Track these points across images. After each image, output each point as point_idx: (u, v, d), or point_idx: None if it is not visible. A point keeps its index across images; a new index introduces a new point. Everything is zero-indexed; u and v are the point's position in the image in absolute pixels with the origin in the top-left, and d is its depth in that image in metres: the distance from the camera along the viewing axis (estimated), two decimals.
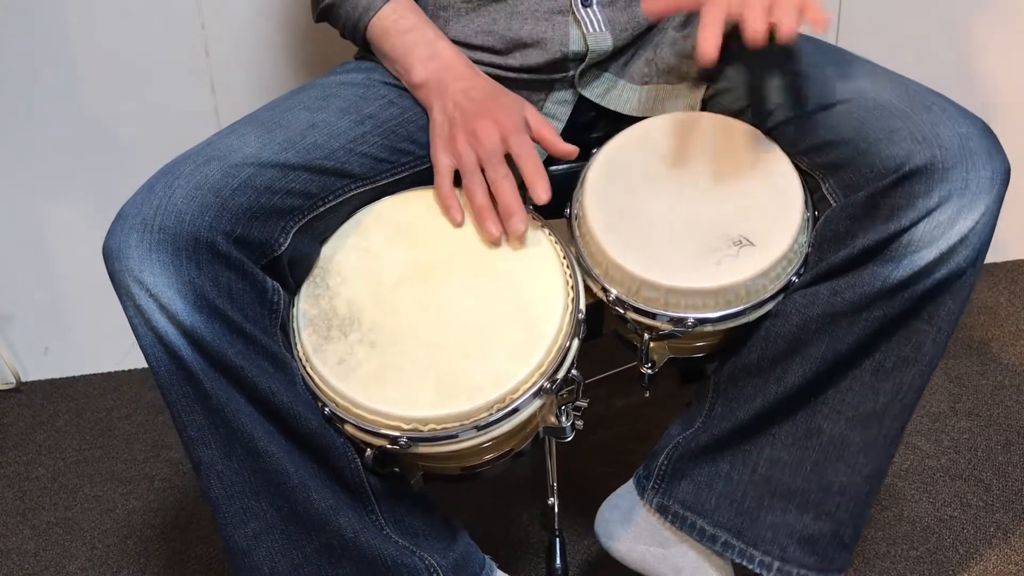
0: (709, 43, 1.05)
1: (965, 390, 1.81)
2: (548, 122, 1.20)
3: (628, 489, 1.32)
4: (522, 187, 1.15)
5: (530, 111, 1.19)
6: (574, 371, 1.12)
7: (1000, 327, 1.95)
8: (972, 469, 1.66)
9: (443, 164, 1.18)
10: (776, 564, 1.22)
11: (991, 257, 1.12)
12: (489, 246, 1.15)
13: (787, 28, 1.02)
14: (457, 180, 1.18)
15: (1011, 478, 1.63)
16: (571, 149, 1.18)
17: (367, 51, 1.31)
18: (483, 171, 1.15)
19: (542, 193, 1.13)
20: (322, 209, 1.14)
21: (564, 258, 1.16)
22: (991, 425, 1.74)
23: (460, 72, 1.22)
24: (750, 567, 1.23)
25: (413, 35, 1.23)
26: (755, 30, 1.02)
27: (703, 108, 1.28)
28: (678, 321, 1.14)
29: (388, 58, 1.26)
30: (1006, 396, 1.80)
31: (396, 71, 1.26)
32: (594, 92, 1.30)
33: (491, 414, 1.07)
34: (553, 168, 1.30)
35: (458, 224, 1.16)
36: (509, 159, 1.15)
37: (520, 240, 1.15)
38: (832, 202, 1.14)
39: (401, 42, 1.23)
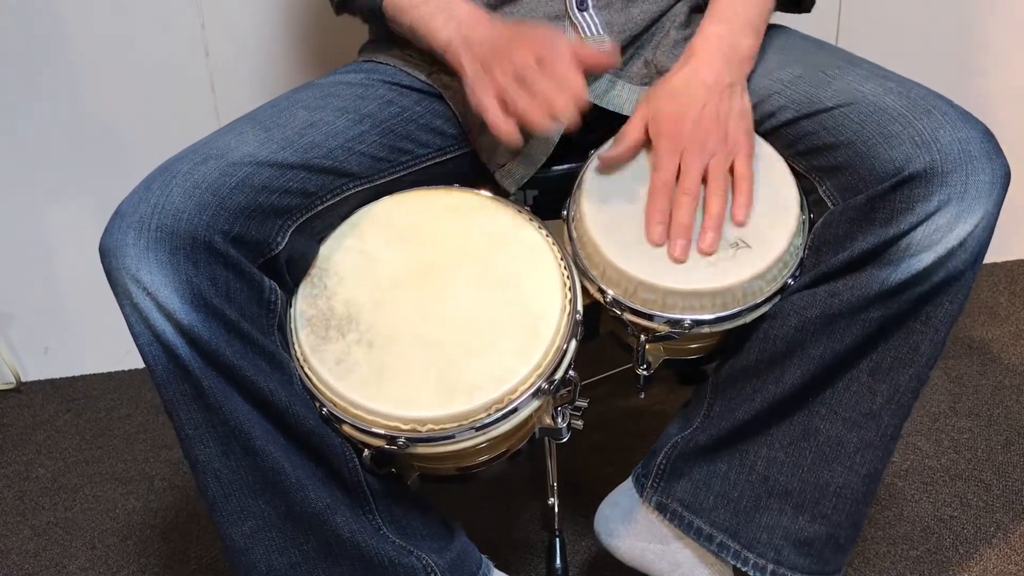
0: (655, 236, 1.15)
1: (965, 390, 1.81)
2: (580, 41, 1.19)
3: (627, 487, 1.32)
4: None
5: (559, 35, 1.16)
6: (572, 372, 1.13)
7: (1000, 327, 1.95)
8: (972, 469, 1.66)
9: (487, 103, 1.12)
10: (770, 567, 1.23)
11: (991, 257, 1.13)
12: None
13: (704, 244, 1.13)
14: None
15: (1011, 478, 1.63)
16: (608, 58, 1.17)
17: (373, 50, 1.31)
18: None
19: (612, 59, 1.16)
20: (320, 208, 1.14)
21: (561, 259, 1.16)
22: (991, 425, 1.74)
23: (480, 20, 1.19)
24: (744, 569, 1.23)
25: (430, 5, 1.21)
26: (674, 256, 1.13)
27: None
28: (675, 323, 1.14)
29: (410, 31, 1.24)
30: (1006, 396, 1.79)
31: (421, 44, 1.24)
32: (593, 93, 1.30)
33: (489, 415, 1.07)
34: (552, 168, 1.31)
35: (517, 142, 1.12)
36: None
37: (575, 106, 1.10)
38: (829, 205, 1.14)
39: (419, 14, 1.22)
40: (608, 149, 1.21)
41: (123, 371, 2.03)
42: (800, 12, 1.32)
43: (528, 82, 1.10)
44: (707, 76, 1.18)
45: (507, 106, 1.11)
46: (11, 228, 1.93)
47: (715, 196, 1.14)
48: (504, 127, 1.11)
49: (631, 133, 1.19)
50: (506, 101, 1.11)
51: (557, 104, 1.08)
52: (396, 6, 1.24)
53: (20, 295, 1.98)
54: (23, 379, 2.03)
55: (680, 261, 1.13)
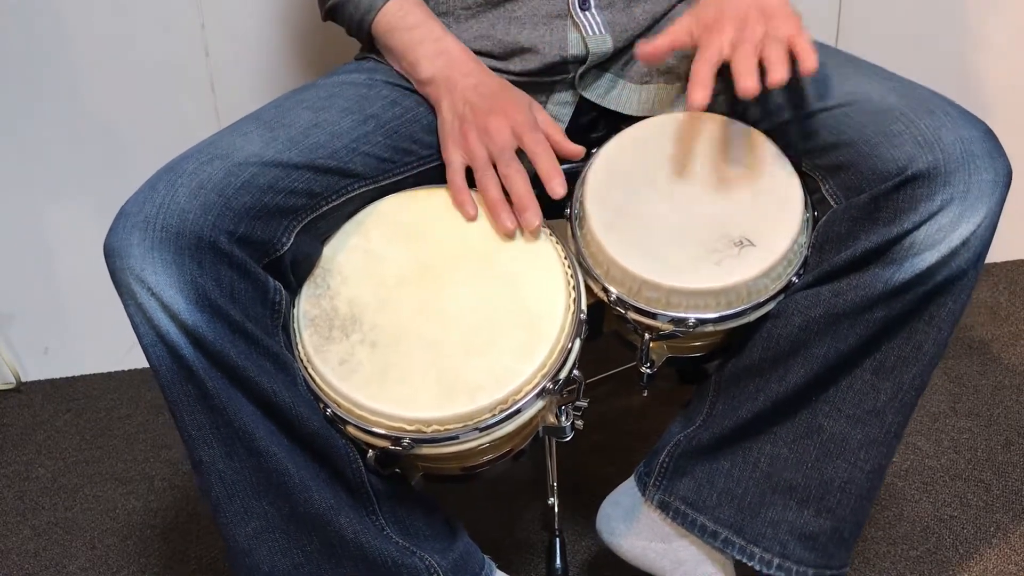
0: (697, 98, 1.08)
1: (965, 390, 1.81)
2: (555, 122, 1.21)
3: (629, 486, 1.32)
4: (535, 183, 1.16)
5: (539, 109, 1.20)
6: (576, 371, 1.13)
7: (1000, 327, 1.95)
8: (972, 469, 1.66)
9: (455, 161, 1.18)
10: (776, 561, 1.23)
11: (991, 257, 1.13)
12: (503, 239, 1.16)
13: (777, 75, 1.05)
14: (469, 177, 1.18)
15: (1011, 478, 1.63)
16: (578, 150, 1.19)
17: (369, 51, 1.31)
18: (495, 167, 1.16)
19: (559, 188, 1.14)
20: (325, 208, 1.14)
21: (565, 258, 1.16)
22: (991, 425, 1.74)
23: (468, 68, 1.22)
24: (750, 564, 1.24)
25: (420, 31, 1.23)
26: (746, 87, 1.05)
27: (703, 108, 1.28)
28: (679, 321, 1.14)
29: (394, 54, 1.26)
30: (1006, 396, 1.80)
31: (402, 67, 1.26)
32: (595, 93, 1.30)
33: (494, 415, 1.07)
34: None
35: (472, 219, 1.17)
36: (521, 155, 1.16)
37: (533, 234, 1.15)
38: (832, 203, 1.14)
39: (409, 38, 1.23)
40: (647, 41, 1.16)
41: (123, 371, 2.03)
42: None
43: (502, 173, 1.15)
44: None
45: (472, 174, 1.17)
46: (11, 228, 1.93)
47: (769, 46, 1.07)
48: (464, 198, 1.17)
49: (674, 32, 1.14)
50: (473, 171, 1.17)
51: (525, 217, 1.14)
52: (386, 25, 1.24)
53: (20, 295, 1.98)
54: (23, 379, 2.03)
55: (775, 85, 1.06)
